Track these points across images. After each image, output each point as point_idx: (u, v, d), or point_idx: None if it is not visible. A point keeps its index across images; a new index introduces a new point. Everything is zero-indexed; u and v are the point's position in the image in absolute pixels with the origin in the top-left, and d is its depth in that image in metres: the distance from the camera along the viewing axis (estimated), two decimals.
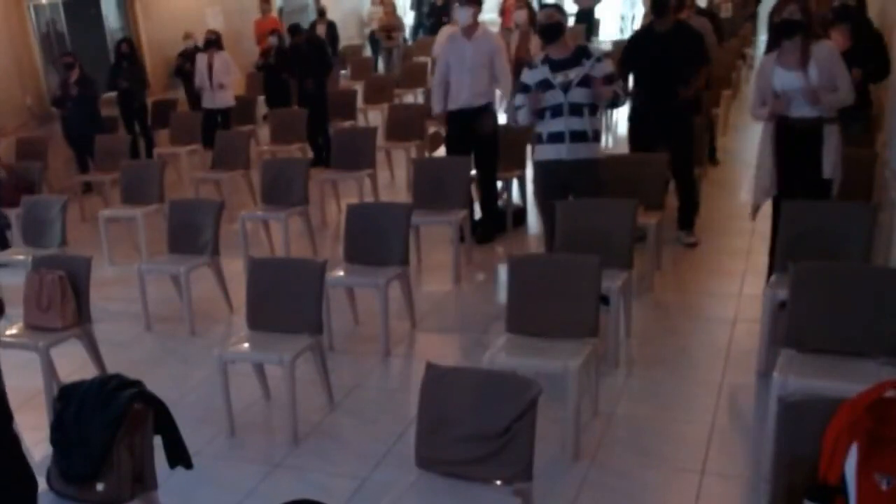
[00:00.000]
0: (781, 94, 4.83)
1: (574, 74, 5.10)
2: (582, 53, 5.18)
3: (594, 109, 5.23)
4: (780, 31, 4.88)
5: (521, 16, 7.38)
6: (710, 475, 3.68)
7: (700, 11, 8.19)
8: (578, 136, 5.17)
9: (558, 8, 5.52)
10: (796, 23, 4.77)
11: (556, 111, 5.15)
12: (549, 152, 5.27)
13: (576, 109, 5.13)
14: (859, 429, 2.39)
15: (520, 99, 5.31)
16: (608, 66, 5.21)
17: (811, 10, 5.03)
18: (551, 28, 5.24)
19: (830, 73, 4.78)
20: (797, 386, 3.37)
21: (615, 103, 5.39)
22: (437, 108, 6.88)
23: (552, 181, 5.32)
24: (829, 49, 4.87)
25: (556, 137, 5.20)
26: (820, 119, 4.83)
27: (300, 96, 9.92)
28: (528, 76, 5.28)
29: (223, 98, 10.21)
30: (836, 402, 2.53)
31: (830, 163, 4.85)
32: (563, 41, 5.25)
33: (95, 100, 9.36)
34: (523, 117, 5.31)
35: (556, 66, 5.16)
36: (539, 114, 5.21)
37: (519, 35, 7.24)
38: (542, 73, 5.19)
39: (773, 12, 5.00)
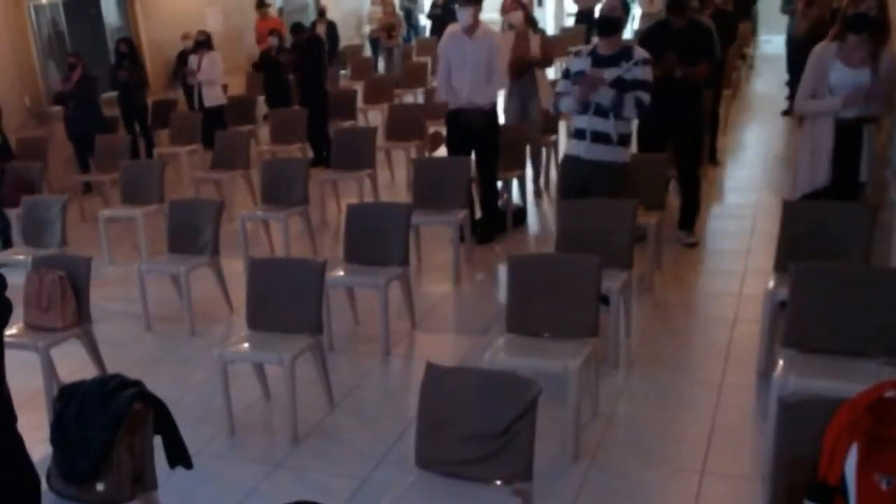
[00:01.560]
0: (836, 91, 4.71)
1: (608, 74, 4.97)
2: (623, 55, 5.01)
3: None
4: (850, 24, 4.69)
5: (516, 17, 7.36)
6: (710, 475, 3.68)
7: (716, 12, 8.12)
8: (600, 138, 5.08)
9: (623, 2, 5.25)
10: (871, 19, 4.63)
11: (584, 107, 5.09)
12: (572, 147, 5.27)
13: (600, 110, 5.03)
14: (859, 429, 2.39)
15: (562, 85, 5.25)
16: (644, 73, 4.98)
17: (887, 10, 4.88)
18: (609, 22, 5.08)
19: (887, 80, 4.67)
20: (797, 386, 3.37)
21: (640, 109, 5.01)
22: (442, 95, 6.74)
23: (572, 177, 5.28)
24: (892, 57, 4.72)
25: (579, 134, 5.19)
26: (863, 119, 4.75)
27: (301, 95, 9.92)
28: (573, 64, 5.22)
29: (212, 97, 10.23)
30: (836, 402, 2.53)
31: (867, 165, 4.80)
32: (617, 38, 5.12)
33: (95, 99, 9.36)
34: (565, 105, 5.26)
35: (598, 61, 5.06)
36: (583, 106, 5.10)
37: (515, 36, 7.21)
38: (584, 64, 5.10)
39: (849, 3, 4.81)
